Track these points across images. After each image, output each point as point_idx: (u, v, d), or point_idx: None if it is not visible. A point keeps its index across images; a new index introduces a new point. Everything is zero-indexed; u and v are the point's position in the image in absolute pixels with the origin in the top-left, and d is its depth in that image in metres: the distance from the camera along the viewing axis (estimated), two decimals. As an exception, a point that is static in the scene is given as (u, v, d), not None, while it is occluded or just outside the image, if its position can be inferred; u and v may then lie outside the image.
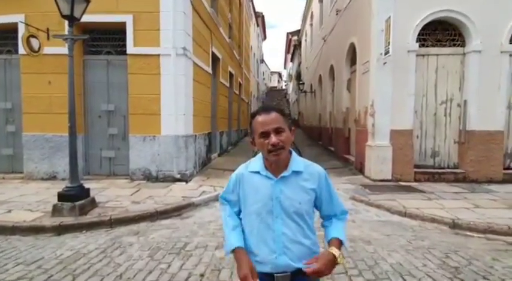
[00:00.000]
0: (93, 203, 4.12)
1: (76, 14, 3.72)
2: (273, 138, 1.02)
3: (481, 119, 5.80)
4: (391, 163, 5.77)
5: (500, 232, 3.43)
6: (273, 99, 39.08)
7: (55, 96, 5.67)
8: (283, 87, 50.35)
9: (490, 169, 5.78)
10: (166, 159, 5.74)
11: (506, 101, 5.90)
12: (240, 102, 14.77)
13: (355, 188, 5.31)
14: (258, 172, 1.11)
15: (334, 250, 1.06)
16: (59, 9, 3.61)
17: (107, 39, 5.93)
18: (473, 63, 5.80)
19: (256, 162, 1.14)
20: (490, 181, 5.71)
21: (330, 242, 1.11)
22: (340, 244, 1.11)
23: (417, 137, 6.07)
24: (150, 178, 5.74)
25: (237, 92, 13.49)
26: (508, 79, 5.88)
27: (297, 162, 1.11)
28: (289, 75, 35.41)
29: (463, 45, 5.96)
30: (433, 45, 6.03)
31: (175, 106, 5.68)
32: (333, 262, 1.04)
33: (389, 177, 5.77)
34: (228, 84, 10.58)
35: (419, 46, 5.85)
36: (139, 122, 5.69)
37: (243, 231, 1.16)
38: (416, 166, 5.94)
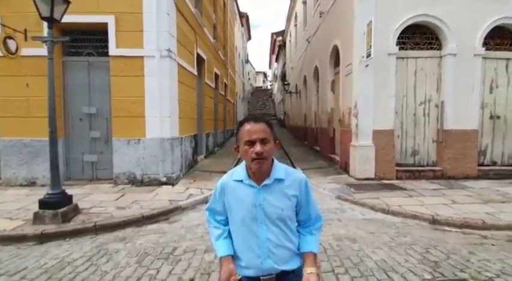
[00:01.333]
0: (76, 210, 4.02)
1: (56, 15, 3.62)
2: (258, 147, 1.06)
3: (457, 118, 6.12)
4: (374, 162, 5.97)
5: (476, 226, 3.66)
6: (259, 100, 39.25)
7: (33, 99, 5.47)
8: (269, 87, 50.63)
9: (465, 166, 6.10)
10: (152, 162, 5.67)
11: (479, 101, 6.25)
12: (226, 103, 14.74)
13: (340, 187, 5.45)
14: (241, 181, 1.15)
15: (312, 270, 1.13)
16: (38, 11, 3.50)
17: (87, 40, 5.78)
18: (449, 66, 6.11)
19: (240, 171, 1.18)
20: (466, 177, 6.04)
21: (306, 257, 1.17)
22: (315, 257, 1.18)
23: (398, 136, 6.32)
24: (135, 182, 5.65)
25: (223, 93, 13.46)
26: (481, 81, 6.23)
27: (279, 170, 1.16)
28: (275, 76, 35.66)
29: (439, 48, 6.26)
30: (412, 49, 6.29)
31: (160, 108, 5.62)
32: (317, 279, 1.13)
33: (373, 176, 5.97)
34: (213, 85, 10.54)
35: (399, 49, 6.10)
36: (123, 125, 5.59)
37: (230, 237, 1.22)
38: (398, 165, 6.18)
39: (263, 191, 1.13)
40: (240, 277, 1.14)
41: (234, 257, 1.17)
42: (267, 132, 1.10)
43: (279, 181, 1.14)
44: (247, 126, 1.10)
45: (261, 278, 1.13)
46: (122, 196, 4.93)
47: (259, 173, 1.13)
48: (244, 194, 1.14)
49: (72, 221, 3.79)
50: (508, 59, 6.32)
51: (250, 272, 1.14)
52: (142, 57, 5.57)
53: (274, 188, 1.14)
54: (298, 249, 1.18)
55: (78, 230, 3.56)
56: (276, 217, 1.12)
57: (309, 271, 1.14)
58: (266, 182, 1.13)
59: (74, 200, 4.11)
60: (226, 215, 1.23)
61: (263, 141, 1.08)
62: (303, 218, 1.22)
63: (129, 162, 5.65)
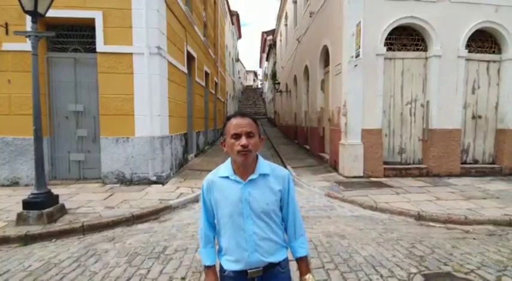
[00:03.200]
0: (63, 210, 3.91)
1: (40, 9, 3.49)
2: (244, 140, 1.11)
3: (441, 118, 6.30)
4: (363, 160, 6.08)
5: (458, 221, 3.79)
6: (249, 99, 39.19)
7: (15, 96, 5.28)
8: (259, 86, 50.58)
9: (449, 164, 6.30)
10: (141, 161, 5.58)
11: (462, 101, 6.46)
12: (216, 101, 14.65)
13: (330, 185, 5.53)
14: (227, 177, 1.18)
15: (308, 277, 1.21)
16: (21, 4, 3.37)
17: (74, 36, 5.62)
18: (434, 67, 6.28)
19: (225, 167, 1.21)
20: (450, 175, 6.24)
21: (300, 264, 1.24)
22: (307, 261, 1.26)
23: (386, 135, 6.45)
24: (124, 181, 5.55)
25: (213, 92, 13.37)
26: (464, 81, 6.44)
27: (264, 165, 1.20)
28: (265, 75, 35.66)
29: (425, 50, 6.42)
30: (399, 50, 6.43)
31: (150, 106, 5.53)
32: None
33: (361, 174, 6.08)
34: (203, 84, 10.46)
35: (387, 50, 6.22)
36: (111, 123, 5.48)
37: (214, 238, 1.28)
38: (385, 163, 6.32)
39: (248, 186, 1.16)
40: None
41: (223, 252, 1.23)
42: (253, 126, 1.15)
43: (264, 175, 1.18)
44: (234, 121, 1.14)
45: (249, 271, 1.16)
46: (110, 195, 4.83)
47: (244, 168, 1.17)
48: (230, 189, 1.17)
49: (59, 221, 3.68)
50: (488, 61, 6.56)
51: (239, 266, 1.17)
52: (131, 54, 5.46)
53: (260, 183, 1.17)
54: (292, 253, 1.25)
55: (64, 230, 3.47)
56: (261, 211, 1.16)
57: (304, 279, 1.21)
58: (252, 177, 1.17)
59: (61, 200, 3.99)
60: (213, 214, 1.24)
61: (249, 134, 1.12)
62: (285, 218, 1.25)
63: (117, 161, 5.54)
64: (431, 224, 3.81)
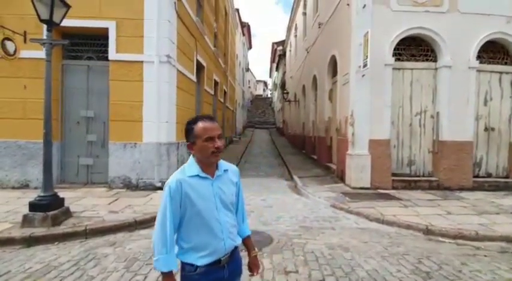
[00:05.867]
0: (68, 213, 3.96)
1: (55, 18, 3.65)
2: (219, 143, 1.22)
3: (452, 129, 6.13)
4: (370, 171, 5.95)
5: (469, 237, 3.61)
6: (258, 108, 39.43)
7: (30, 101, 5.46)
8: (269, 95, 50.87)
9: (461, 177, 6.08)
10: (148, 167, 5.63)
11: (474, 113, 6.28)
12: (225, 110, 14.79)
13: (335, 196, 5.41)
14: (196, 175, 1.24)
15: (256, 252, 1.45)
16: (37, 13, 3.53)
17: (88, 45, 5.82)
18: (444, 78, 6.16)
19: (191, 167, 1.27)
20: (462, 189, 6.01)
21: (247, 242, 1.45)
22: (250, 239, 1.47)
23: (394, 146, 6.31)
24: (130, 186, 5.59)
25: (222, 100, 13.52)
26: (476, 93, 6.28)
27: (223, 163, 1.34)
28: (274, 84, 35.92)
29: (435, 60, 6.33)
30: (408, 60, 6.36)
31: (158, 113, 5.62)
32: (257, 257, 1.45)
33: (369, 185, 5.94)
34: (212, 92, 10.59)
35: (395, 60, 6.16)
36: (120, 129, 5.58)
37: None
38: (394, 174, 6.16)
39: (217, 182, 1.28)
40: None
41: (193, 251, 1.25)
42: (220, 129, 1.27)
43: (226, 171, 1.33)
44: (205, 125, 1.22)
45: (222, 259, 1.25)
46: (115, 200, 4.86)
47: (211, 167, 1.27)
48: (201, 187, 1.24)
49: (63, 224, 3.72)
50: (501, 72, 6.39)
51: (213, 258, 1.24)
52: (141, 62, 5.60)
53: (224, 178, 1.31)
54: (239, 234, 1.41)
55: (68, 233, 3.49)
56: (229, 202, 1.30)
57: (254, 253, 1.43)
58: (218, 173, 1.29)
59: (67, 204, 4.05)
60: (180, 216, 1.23)
61: (219, 136, 1.23)
62: (238, 208, 1.42)
63: (124, 166, 5.60)
64: (441, 239, 3.65)
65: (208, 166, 1.26)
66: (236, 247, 1.33)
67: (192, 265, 1.22)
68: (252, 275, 1.45)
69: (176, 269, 1.22)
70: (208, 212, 1.23)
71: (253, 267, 1.44)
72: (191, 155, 1.29)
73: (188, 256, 1.24)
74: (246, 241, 1.45)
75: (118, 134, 5.59)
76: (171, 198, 1.20)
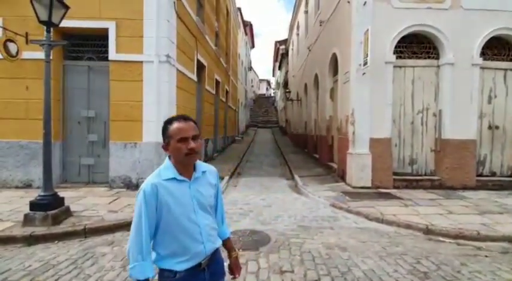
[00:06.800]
0: (68, 212, 4.00)
1: (54, 19, 3.68)
2: (192, 144, 1.18)
3: (455, 128, 6.05)
4: (371, 171, 5.90)
5: (470, 237, 3.56)
6: (261, 107, 39.41)
7: (33, 102, 5.53)
8: (272, 95, 50.76)
9: (464, 176, 6.00)
10: (148, 166, 5.66)
11: (478, 111, 6.19)
12: (227, 109, 14.82)
13: (335, 195, 5.39)
14: (173, 179, 1.21)
15: (236, 253, 1.45)
16: (36, 14, 3.56)
17: (88, 45, 5.87)
18: (446, 75, 6.08)
19: (167, 170, 1.23)
20: (464, 188, 5.93)
21: (228, 243, 1.45)
22: (230, 241, 1.48)
23: (396, 145, 6.26)
24: (130, 186, 5.63)
25: (224, 100, 13.54)
26: (479, 90, 6.19)
27: (201, 164, 1.32)
28: (277, 83, 35.87)
29: (437, 57, 6.25)
30: (409, 57, 6.29)
31: (158, 113, 5.64)
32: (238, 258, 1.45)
33: (369, 184, 5.89)
34: (214, 92, 10.61)
35: (397, 58, 6.09)
36: (120, 129, 5.62)
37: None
38: (395, 173, 6.10)
39: (195, 184, 1.26)
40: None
41: (172, 257, 1.21)
42: (196, 129, 1.22)
43: (204, 173, 1.31)
44: (180, 125, 1.19)
45: (202, 262, 1.23)
46: (115, 199, 4.91)
47: (187, 169, 1.24)
48: (179, 190, 1.21)
49: (63, 223, 3.76)
50: (505, 69, 6.28)
51: (193, 263, 1.21)
52: (141, 62, 5.63)
53: (202, 179, 1.29)
54: (219, 236, 1.39)
55: (67, 232, 3.53)
56: (208, 204, 1.28)
57: (234, 255, 1.43)
58: (196, 175, 1.26)
59: (68, 203, 4.10)
60: (156, 222, 1.18)
61: (194, 137, 1.19)
62: (217, 210, 1.42)
63: (125, 166, 5.65)
64: (441, 239, 3.61)
65: (184, 168, 1.23)
66: (217, 249, 1.32)
67: (170, 270, 1.19)
68: (234, 277, 1.42)
69: (153, 277, 1.18)
70: (186, 216, 1.20)
71: (235, 269, 1.42)
72: (167, 157, 1.26)
73: (166, 262, 1.20)
74: (226, 242, 1.45)
75: (118, 134, 5.63)
76: (146, 203, 1.16)
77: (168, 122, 1.22)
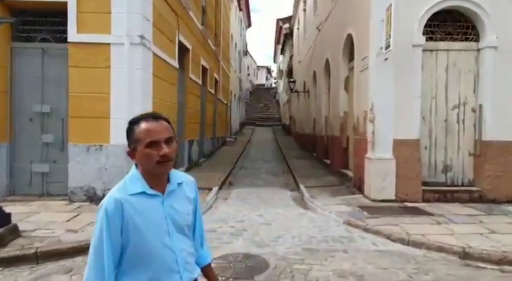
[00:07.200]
0: (16, 232, 3.99)
1: (-1, -9, 3.68)
2: (166, 149, 1.15)
3: (499, 127, 6.11)
4: (395, 180, 5.95)
5: (517, 262, 3.60)
6: (260, 100, 39.55)
7: (-29, 94, 5.52)
8: (273, 85, 50.93)
9: (510, 187, 6.06)
10: (117, 174, 5.63)
11: (528, 106, 6.25)
12: (217, 103, 14.85)
13: (351, 211, 5.43)
14: (142, 193, 1.19)
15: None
16: (-24, -16, 3.56)
17: (43, 23, 5.88)
18: (488, 61, 6.15)
19: (134, 182, 1.21)
20: (511, 201, 5.99)
21: (207, 272, 1.44)
22: (211, 268, 1.48)
23: (425, 148, 6.31)
24: (94, 199, 5.62)
25: (213, 91, 13.57)
26: (529, 80, 6.26)
27: (176, 174, 1.30)
28: (280, 71, 36.03)
29: (477, 39, 6.32)
30: (442, 39, 6.36)
31: (129, 108, 5.62)
32: None
33: (393, 197, 5.94)
34: (200, 82, 10.65)
35: (426, 40, 6.15)
36: (82, 128, 5.61)
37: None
38: (425, 183, 6.15)
39: (169, 199, 1.24)
40: None
41: None
42: (170, 130, 1.21)
43: (179, 184, 1.29)
44: (148, 125, 1.17)
45: None
46: (76, 216, 4.90)
47: (159, 180, 1.22)
48: (150, 207, 1.19)
49: (9, 246, 3.75)
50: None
51: None
52: (108, 44, 5.64)
53: (178, 193, 1.27)
54: (197, 263, 1.39)
55: (14, 257, 3.52)
56: (185, 224, 1.27)
57: None
58: (171, 187, 1.25)
59: (15, 220, 4.09)
60: (120, 248, 1.17)
61: (168, 141, 1.17)
62: (196, 231, 1.42)
63: (88, 173, 5.64)
64: (481, 264, 3.63)
65: (156, 180, 1.21)
66: (195, 280, 1.31)
67: None
68: None
69: None
70: (159, 239, 1.18)
71: None
72: (133, 166, 1.24)
73: None
74: (207, 270, 1.43)
75: (80, 134, 5.62)
76: (108, 224, 1.13)
77: (134, 122, 1.19)
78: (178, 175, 1.31)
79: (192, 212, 1.34)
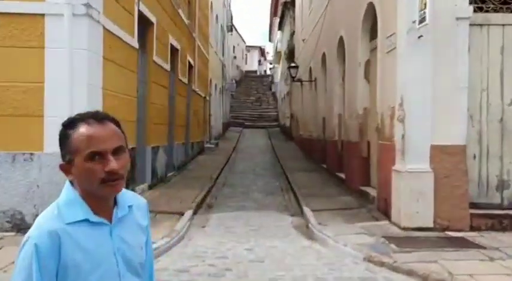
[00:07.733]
0: None
1: None
2: (113, 163, 1.11)
3: None
4: (433, 200, 5.98)
5: None
6: (250, 93, 39.69)
7: None
8: (268, 72, 51.21)
9: None
10: (52, 193, 5.56)
11: None
12: (191, 97, 14.83)
13: (374, 243, 5.45)
14: (84, 221, 1.16)
15: None
16: None
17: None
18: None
19: (72, 207, 1.18)
20: None
21: None
22: None
23: (474, 157, 6.37)
24: (22, 227, 5.54)
25: (186, 81, 13.56)
26: None
27: (124, 194, 1.28)
28: (277, 53, 36.23)
29: (541, 10, 6.45)
30: (495, 10, 6.45)
31: (70, 103, 5.61)
32: None
33: (430, 223, 5.97)
34: (168, 67, 10.64)
35: (475, 10, 6.24)
36: (4, 130, 5.58)
37: None
38: (474, 205, 6.20)
39: (118, 229, 1.22)
40: None
41: None
42: (120, 136, 1.19)
43: (130, 208, 1.29)
44: (87, 130, 1.13)
45: None
46: (-6, 252, 4.84)
47: (107, 203, 1.21)
48: (94, 240, 1.17)
49: None
50: None
51: None
52: (42, 15, 5.63)
53: (128, 220, 1.27)
54: None
55: None
56: (138, 261, 1.27)
57: None
58: (120, 213, 1.23)
59: None
60: None
61: (117, 151, 1.15)
62: (148, 274, 1.41)
63: (13, 193, 5.61)
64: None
65: (100, 203, 1.19)
66: None
67: None
68: None
69: None
70: None
71: None
72: (67, 183, 1.22)
73: None
74: None
75: (1, 139, 5.58)
76: (40, 268, 1.10)
77: (69, 125, 1.17)
78: (127, 196, 1.30)
79: (145, 244, 1.35)
